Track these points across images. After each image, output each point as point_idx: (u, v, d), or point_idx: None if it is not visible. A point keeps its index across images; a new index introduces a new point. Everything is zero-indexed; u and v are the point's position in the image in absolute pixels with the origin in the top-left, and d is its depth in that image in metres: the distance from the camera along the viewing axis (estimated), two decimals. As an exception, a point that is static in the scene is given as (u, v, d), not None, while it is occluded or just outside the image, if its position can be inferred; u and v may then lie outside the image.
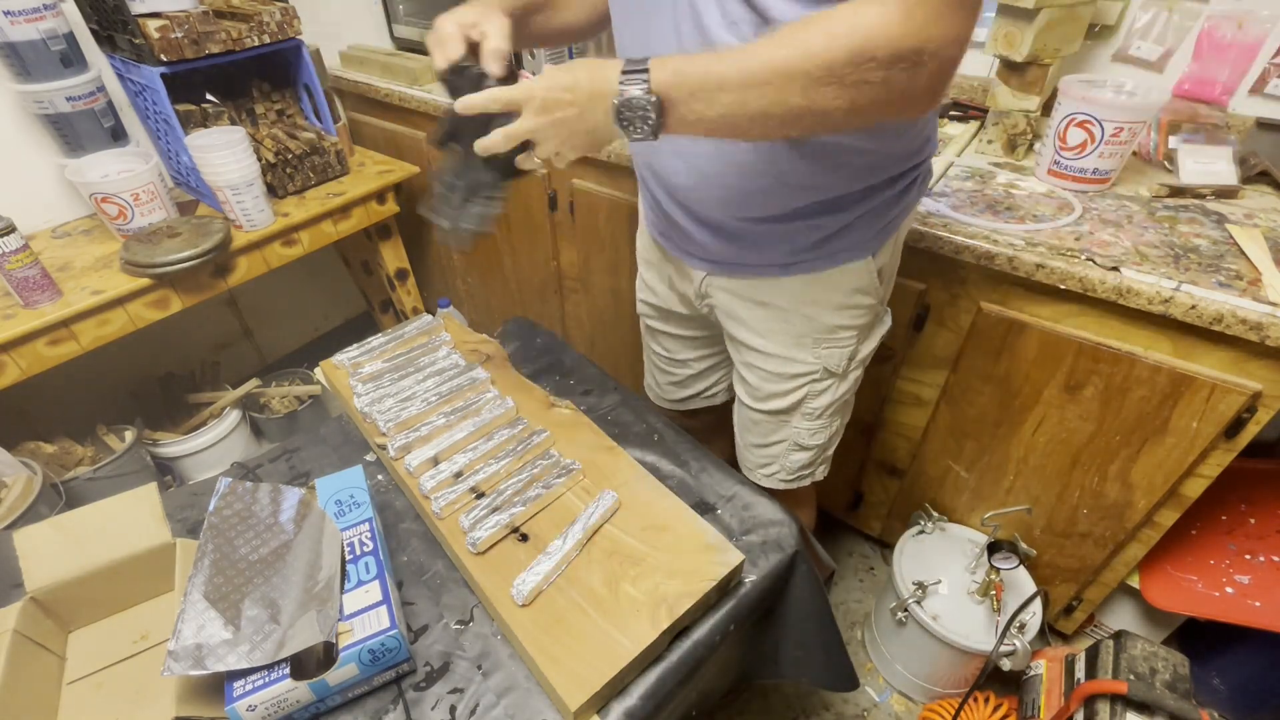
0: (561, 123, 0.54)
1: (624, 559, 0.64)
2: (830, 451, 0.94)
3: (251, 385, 1.61)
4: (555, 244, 1.47)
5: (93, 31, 1.23)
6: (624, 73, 0.50)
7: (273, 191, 1.35)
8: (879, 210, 0.71)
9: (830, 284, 0.74)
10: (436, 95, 1.45)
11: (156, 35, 1.12)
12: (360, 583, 0.61)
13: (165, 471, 1.47)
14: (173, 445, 1.44)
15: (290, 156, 1.35)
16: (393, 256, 1.63)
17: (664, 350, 1.02)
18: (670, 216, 0.78)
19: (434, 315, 1.00)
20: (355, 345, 0.91)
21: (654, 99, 0.49)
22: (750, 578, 0.67)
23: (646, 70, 0.50)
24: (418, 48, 1.69)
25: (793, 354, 0.79)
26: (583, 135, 0.54)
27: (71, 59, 1.18)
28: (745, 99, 0.48)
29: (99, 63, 1.26)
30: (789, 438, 0.89)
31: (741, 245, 0.73)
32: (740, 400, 0.91)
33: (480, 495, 0.71)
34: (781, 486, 0.94)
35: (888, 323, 0.85)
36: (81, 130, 1.24)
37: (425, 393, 0.82)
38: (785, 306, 0.77)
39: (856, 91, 0.46)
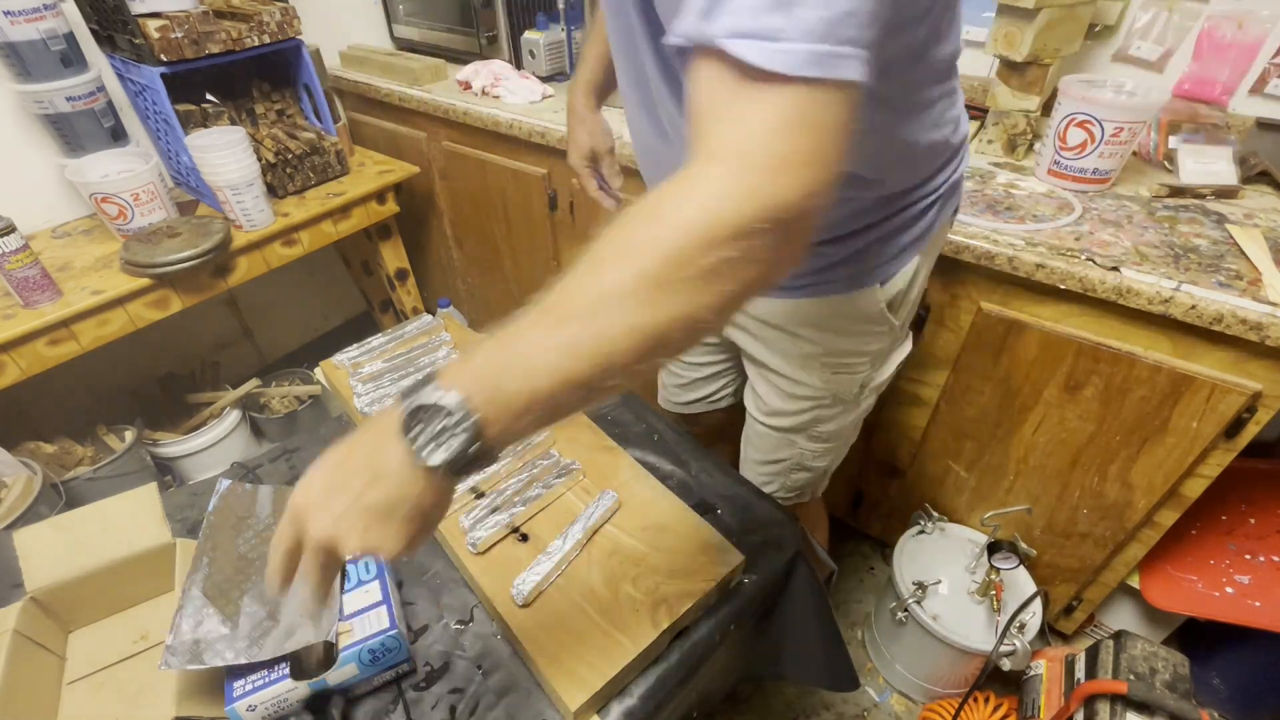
0: (334, 498, 0.37)
1: (624, 559, 0.64)
2: (832, 470, 0.93)
3: (251, 385, 1.61)
4: (555, 244, 1.47)
5: (93, 31, 1.23)
6: (404, 394, 0.37)
7: (273, 191, 1.35)
8: (888, 238, 0.66)
9: (835, 309, 0.71)
10: (436, 95, 1.45)
11: (156, 35, 1.12)
12: (360, 582, 0.61)
13: (165, 471, 1.47)
14: (173, 445, 1.44)
15: (290, 156, 1.35)
16: (393, 256, 1.63)
17: None
18: None
19: (434, 315, 1.00)
20: (355, 345, 0.91)
21: (451, 393, 0.35)
22: (750, 577, 0.67)
23: (432, 377, 0.37)
24: (418, 48, 1.69)
25: (801, 376, 0.77)
26: (367, 506, 0.37)
27: (71, 59, 1.18)
28: (587, 338, 0.34)
29: (99, 63, 1.26)
30: (793, 457, 0.87)
31: None
32: (749, 412, 0.89)
33: (480, 495, 0.71)
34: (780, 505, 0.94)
35: (907, 348, 0.81)
36: (81, 130, 1.24)
37: (425, 393, 0.82)
38: (791, 329, 0.74)
39: (720, 281, 0.34)
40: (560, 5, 1.41)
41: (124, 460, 1.31)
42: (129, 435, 1.39)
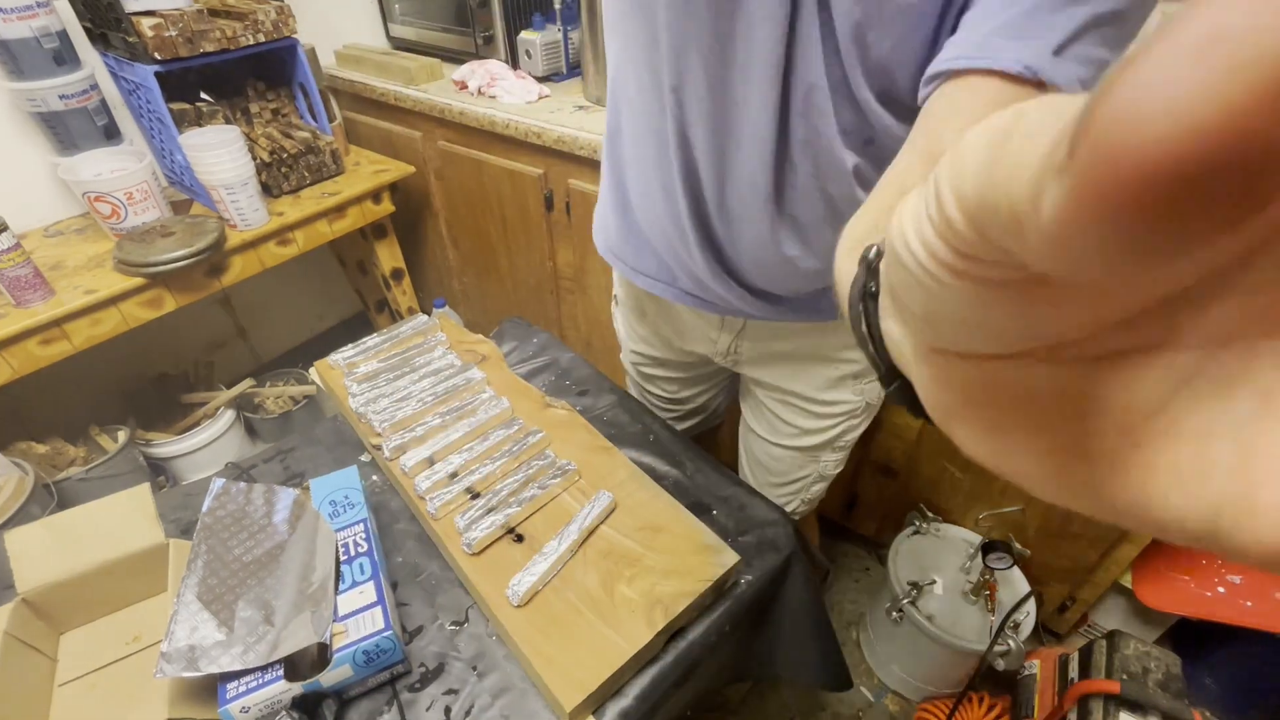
0: None
1: (620, 560, 0.64)
2: None
3: (246, 385, 1.61)
4: (551, 244, 1.47)
5: (86, 29, 1.23)
6: None
7: (267, 191, 1.35)
8: None
9: None
10: (432, 94, 1.45)
11: (150, 33, 1.12)
12: (355, 584, 0.61)
13: (158, 472, 1.47)
14: (166, 446, 1.44)
15: (285, 156, 1.35)
16: (388, 256, 1.63)
17: (663, 392, 0.97)
18: (711, 287, 0.69)
19: (429, 315, 0.99)
20: (350, 345, 0.91)
21: None
22: (746, 578, 0.67)
23: None
24: (413, 47, 1.69)
25: (832, 396, 0.77)
26: None
27: (64, 57, 1.18)
28: None
29: (92, 60, 1.25)
30: (814, 472, 0.86)
31: (795, 306, 0.69)
32: (759, 436, 0.87)
33: (476, 496, 0.71)
34: (795, 519, 0.93)
35: None
36: (74, 128, 1.23)
37: (421, 393, 0.82)
38: (828, 354, 0.74)
39: None
40: (556, 5, 1.41)
41: (116, 461, 1.30)
42: (121, 435, 1.38)
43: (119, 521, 0.67)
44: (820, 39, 0.48)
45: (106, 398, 1.53)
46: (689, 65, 0.53)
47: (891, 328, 0.18)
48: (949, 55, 0.39)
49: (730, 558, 0.64)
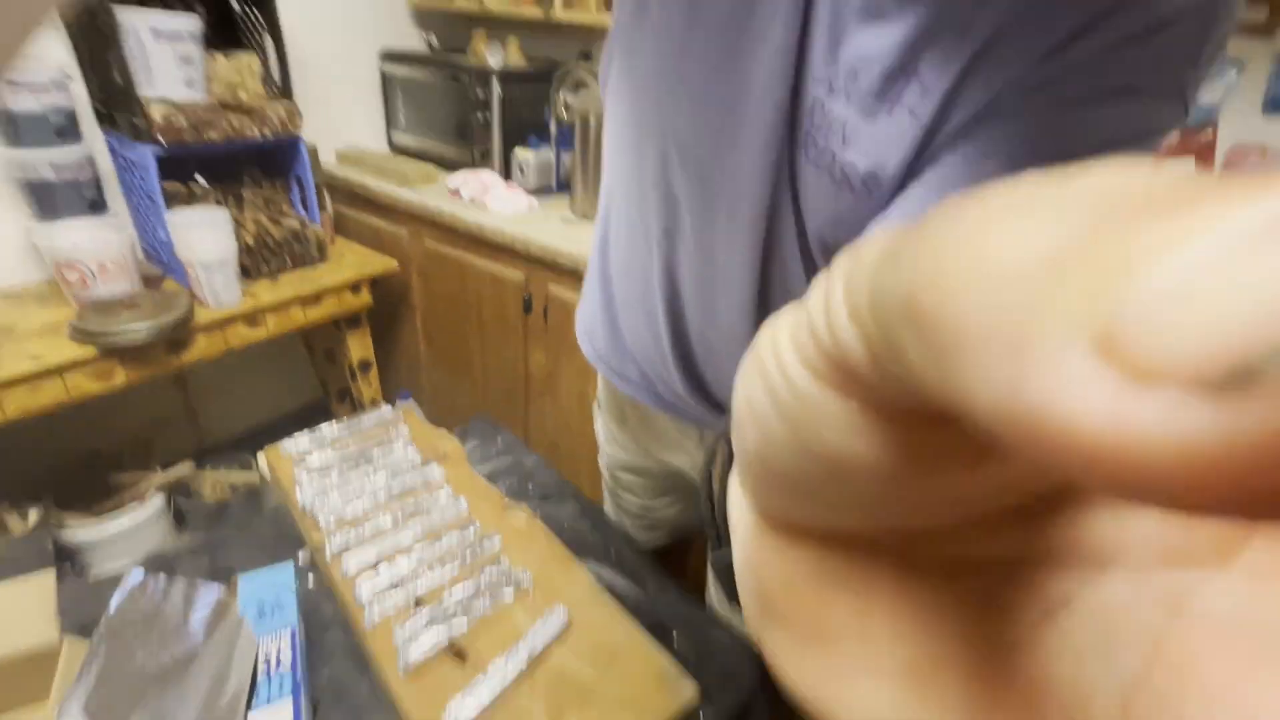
0: None
1: (570, 686, 0.59)
2: None
3: (184, 469, 1.51)
4: (526, 346, 1.48)
5: (95, 110, 1.27)
6: None
7: (246, 273, 1.35)
8: None
9: None
10: (424, 197, 1.52)
11: (160, 120, 1.16)
12: (270, 700, 0.54)
13: (66, 558, 1.33)
14: (82, 530, 1.32)
15: (270, 241, 1.37)
16: (358, 347, 1.62)
17: (635, 498, 0.94)
18: (691, 404, 0.70)
19: (393, 406, 0.97)
20: (306, 432, 0.87)
21: None
22: (706, 710, 0.62)
23: None
24: (414, 154, 1.79)
25: None
26: None
27: (67, 132, 1.21)
28: None
29: (93, 137, 1.28)
30: None
31: None
32: None
33: (419, 604, 0.65)
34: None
35: None
36: (60, 199, 1.24)
37: (374, 489, 0.78)
38: None
39: None
40: (552, 131, 1.53)
41: (20, 544, 1.18)
42: (33, 515, 1.26)
43: (9, 615, 0.60)
44: (794, 222, 0.53)
45: (25, 472, 1.41)
46: (678, 218, 0.58)
47: (733, 484, 0.13)
48: (875, 231, 0.42)
49: (689, 690, 0.59)
